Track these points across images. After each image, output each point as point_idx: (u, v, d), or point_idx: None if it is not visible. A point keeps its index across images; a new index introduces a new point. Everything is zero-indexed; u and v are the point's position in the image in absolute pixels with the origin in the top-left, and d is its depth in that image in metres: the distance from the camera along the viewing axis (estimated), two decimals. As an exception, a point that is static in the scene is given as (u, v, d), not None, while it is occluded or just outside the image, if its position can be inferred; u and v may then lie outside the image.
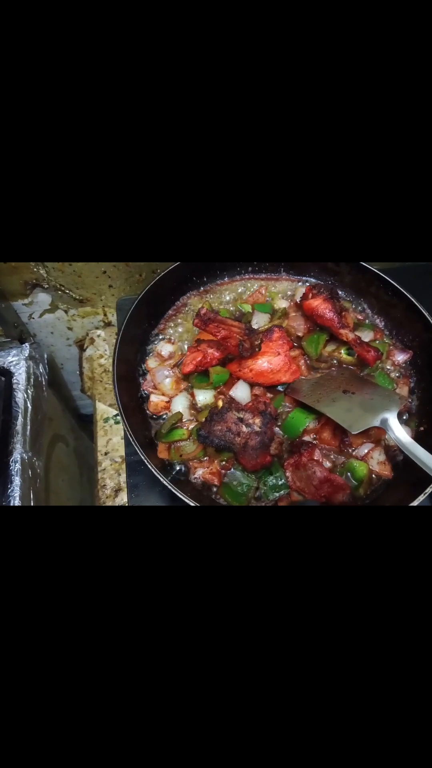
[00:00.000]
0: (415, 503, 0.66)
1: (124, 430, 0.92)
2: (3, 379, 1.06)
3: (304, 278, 0.99)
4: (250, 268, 0.99)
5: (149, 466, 0.67)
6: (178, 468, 0.77)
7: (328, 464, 0.76)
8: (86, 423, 1.55)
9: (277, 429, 0.78)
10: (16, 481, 0.95)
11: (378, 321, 0.94)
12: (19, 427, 1.02)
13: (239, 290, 0.98)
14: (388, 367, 0.88)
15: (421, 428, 0.81)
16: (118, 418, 1.03)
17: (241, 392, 0.79)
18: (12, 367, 1.09)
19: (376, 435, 0.79)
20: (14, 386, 1.06)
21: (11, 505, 0.93)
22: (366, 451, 0.77)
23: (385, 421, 0.72)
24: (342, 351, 0.86)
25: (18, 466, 0.97)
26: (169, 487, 0.65)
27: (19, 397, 1.05)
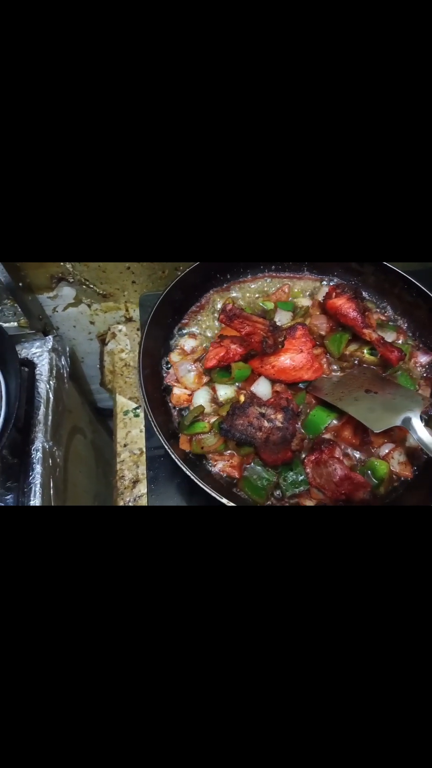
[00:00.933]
0: (435, 504, 0.66)
1: (147, 420, 0.93)
2: (27, 369, 1.08)
3: (327, 277, 0.99)
4: (273, 267, 0.99)
5: (172, 456, 0.68)
6: (198, 460, 0.78)
7: (348, 462, 0.76)
8: (103, 417, 1.57)
9: (298, 425, 0.79)
10: (38, 469, 0.98)
11: (401, 322, 0.94)
12: (41, 417, 1.04)
13: (262, 288, 0.99)
14: (411, 368, 0.88)
15: (443, 430, 0.80)
16: (138, 411, 1.04)
17: (262, 388, 0.80)
18: (35, 359, 1.12)
19: (398, 435, 0.79)
20: (37, 377, 1.09)
21: (32, 492, 0.95)
22: (387, 450, 0.77)
23: (407, 421, 0.72)
24: (365, 351, 0.86)
25: (39, 454, 0.99)
26: (191, 476, 0.66)
27: (42, 387, 1.08)
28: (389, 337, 0.89)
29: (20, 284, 1.06)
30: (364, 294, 0.96)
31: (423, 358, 0.88)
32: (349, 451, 0.78)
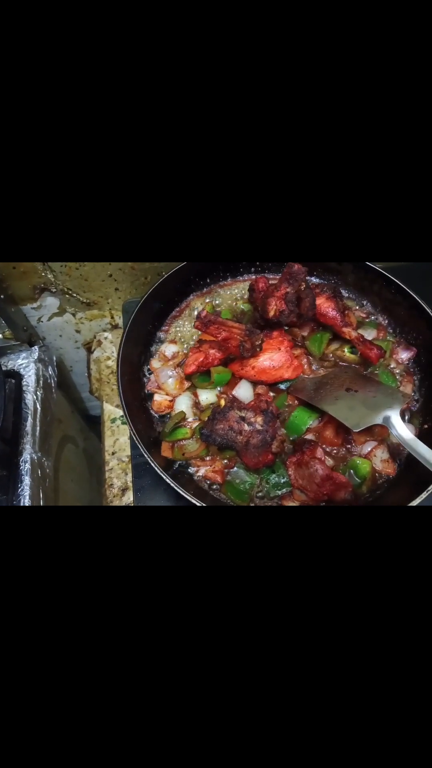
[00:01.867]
0: (416, 502, 0.66)
1: (129, 429, 0.94)
2: (13, 381, 1.08)
3: (306, 278, 0.99)
4: (252, 269, 1.00)
5: (152, 465, 0.68)
6: (181, 466, 0.78)
7: (330, 462, 0.76)
8: (95, 424, 1.57)
9: (280, 428, 0.79)
10: (26, 480, 0.98)
11: (381, 319, 0.94)
12: (29, 428, 1.04)
13: (242, 291, 0.99)
14: (392, 365, 0.88)
15: (425, 426, 0.80)
16: (125, 418, 1.04)
17: (243, 391, 0.80)
18: (22, 370, 1.12)
19: (380, 433, 0.79)
20: (24, 388, 1.09)
21: (21, 504, 0.95)
22: (369, 449, 0.77)
23: (387, 419, 0.72)
24: (345, 349, 0.86)
25: (28, 466, 0.99)
26: (172, 485, 0.66)
27: (29, 398, 1.08)
28: (370, 334, 0.89)
29: (2, 296, 1.07)
30: (344, 292, 0.97)
31: (404, 355, 0.88)
32: (331, 450, 0.78)
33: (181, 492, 0.66)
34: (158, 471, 0.67)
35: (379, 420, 0.73)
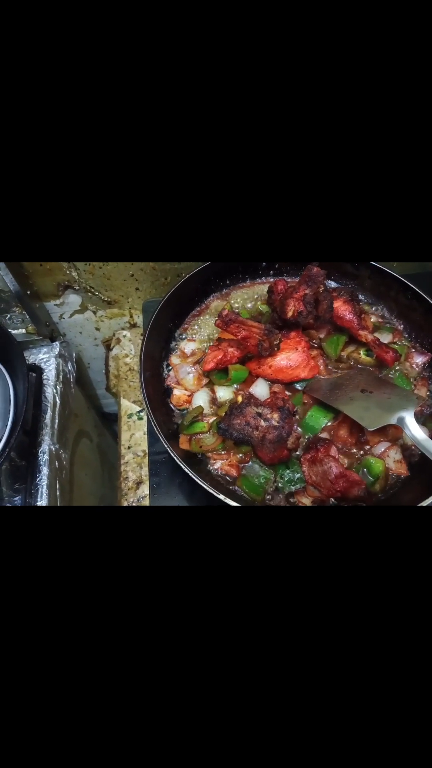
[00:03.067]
0: (427, 502, 0.67)
1: (149, 423, 0.96)
2: (34, 375, 1.12)
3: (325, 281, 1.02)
4: (271, 272, 1.02)
5: (172, 454, 0.70)
6: (197, 459, 0.80)
7: (344, 461, 0.77)
8: (108, 421, 1.61)
9: (295, 426, 0.81)
10: (44, 471, 1.01)
11: (397, 324, 0.96)
12: (47, 420, 1.07)
13: (260, 293, 1.01)
14: (407, 369, 0.89)
15: (439, 429, 0.82)
16: (142, 414, 1.07)
17: (260, 389, 0.82)
18: (43, 364, 1.16)
19: (393, 434, 0.80)
20: (44, 382, 1.13)
21: (38, 493, 0.98)
22: (383, 449, 0.79)
23: (401, 420, 0.74)
24: (361, 352, 0.88)
25: (46, 457, 1.02)
26: (190, 473, 0.68)
27: (49, 392, 1.11)
28: (385, 338, 0.91)
29: (28, 292, 1.10)
30: (361, 297, 0.98)
31: (419, 359, 0.89)
32: (345, 449, 0.79)
33: (197, 480, 0.68)
34: (177, 460, 0.69)
35: (393, 420, 0.74)
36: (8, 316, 1.13)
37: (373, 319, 0.96)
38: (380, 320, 0.97)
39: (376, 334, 0.89)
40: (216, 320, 0.79)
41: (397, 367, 0.88)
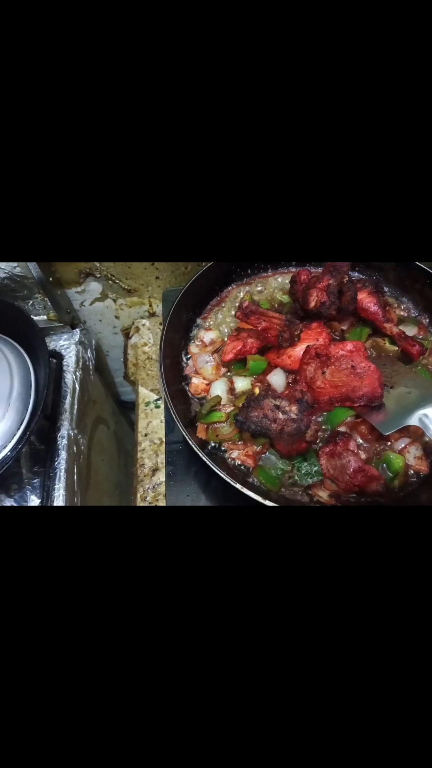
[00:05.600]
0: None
1: (167, 413, 0.97)
2: (55, 361, 1.14)
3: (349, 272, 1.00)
4: (293, 261, 1.01)
5: (190, 442, 0.70)
6: (214, 448, 0.80)
7: (363, 455, 0.76)
8: (125, 409, 1.62)
9: (313, 417, 0.80)
10: (63, 455, 1.02)
11: (422, 318, 0.93)
12: (67, 405, 1.09)
13: (283, 282, 1.00)
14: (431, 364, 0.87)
15: (463, 426, 0.79)
16: (158, 402, 1.08)
17: (277, 378, 0.82)
18: (63, 351, 1.17)
19: (415, 430, 0.78)
20: (64, 368, 1.14)
21: (57, 476, 1.00)
22: (403, 445, 0.77)
23: (422, 417, 0.72)
24: (386, 340, 0.86)
25: (65, 441, 1.04)
26: (207, 461, 0.68)
27: (69, 378, 1.13)
28: (410, 331, 0.89)
29: (50, 279, 1.12)
30: (385, 289, 0.96)
31: (444, 354, 0.87)
32: (364, 444, 0.78)
33: (214, 468, 0.68)
34: (194, 448, 0.69)
35: (412, 421, 0.72)
36: (30, 302, 1.15)
37: (397, 312, 0.93)
38: (404, 314, 0.94)
39: (401, 327, 0.87)
40: (236, 312, 0.79)
41: (423, 362, 0.86)
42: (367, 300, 0.84)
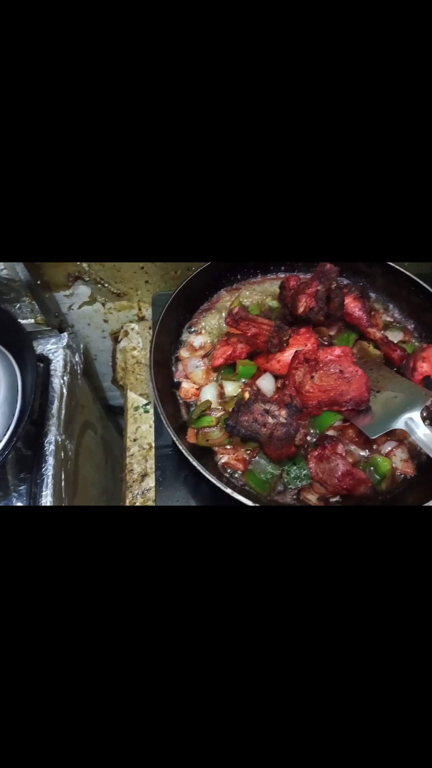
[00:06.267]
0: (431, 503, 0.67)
1: (156, 417, 0.96)
2: (42, 365, 1.12)
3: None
4: (283, 268, 1.02)
5: (180, 446, 0.70)
6: (204, 453, 0.80)
7: (352, 458, 0.77)
8: (113, 414, 1.61)
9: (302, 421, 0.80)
10: (50, 461, 1.01)
11: (408, 324, 0.95)
12: (54, 411, 1.07)
13: (272, 288, 1.01)
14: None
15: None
16: (148, 407, 1.07)
17: (267, 383, 0.82)
18: (50, 355, 1.16)
19: (401, 434, 0.80)
20: (52, 372, 1.13)
21: (44, 482, 0.98)
22: (390, 448, 0.79)
23: (408, 421, 0.73)
24: (370, 344, 0.88)
25: (52, 447, 1.03)
26: (197, 466, 0.68)
27: (56, 383, 1.12)
28: (395, 337, 0.91)
29: (38, 282, 1.11)
30: (372, 295, 0.98)
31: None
32: (352, 447, 0.79)
33: (204, 473, 0.68)
34: (185, 453, 0.69)
35: (398, 425, 0.74)
36: (18, 305, 1.13)
37: (383, 317, 0.95)
38: (390, 319, 0.96)
39: (386, 333, 0.89)
40: (226, 318, 0.79)
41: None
42: (352, 305, 0.86)
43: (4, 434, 0.89)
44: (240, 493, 0.67)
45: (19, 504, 0.95)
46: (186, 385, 0.85)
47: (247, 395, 0.81)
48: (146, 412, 1.07)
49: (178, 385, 0.87)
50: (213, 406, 0.83)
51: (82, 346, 1.24)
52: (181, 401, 0.86)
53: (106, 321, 1.30)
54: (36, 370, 0.99)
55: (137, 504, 0.94)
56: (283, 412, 0.75)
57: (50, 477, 0.99)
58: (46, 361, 1.13)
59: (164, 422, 0.72)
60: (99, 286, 1.18)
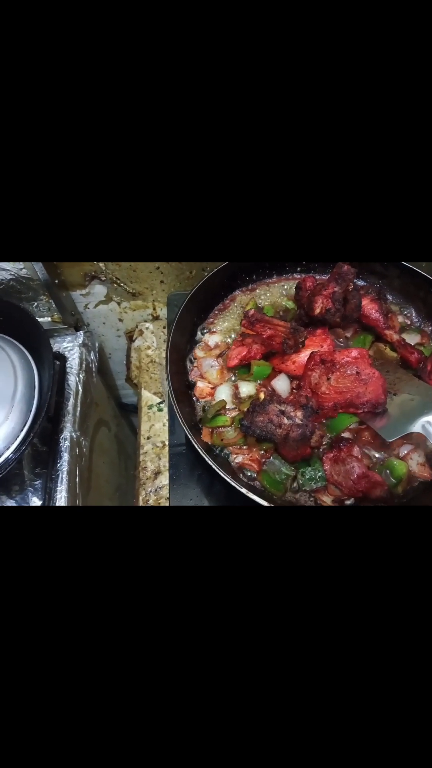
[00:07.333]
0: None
1: (170, 416, 0.97)
2: (58, 363, 1.14)
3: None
4: (299, 268, 1.02)
5: (195, 445, 0.71)
6: (219, 452, 0.80)
7: (367, 461, 0.77)
8: (127, 412, 1.62)
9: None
10: (65, 457, 1.02)
11: (425, 326, 0.94)
12: (70, 407, 1.09)
13: (287, 289, 1.01)
14: (433, 372, 0.88)
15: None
16: (162, 405, 1.08)
17: (282, 384, 0.82)
18: (67, 353, 1.17)
19: (417, 438, 0.79)
20: (68, 370, 1.14)
21: (59, 478, 1.00)
22: (406, 451, 0.78)
23: (425, 424, 0.73)
24: (387, 347, 0.87)
25: (67, 443, 1.04)
26: (212, 464, 0.68)
27: (72, 380, 1.13)
28: (412, 339, 0.90)
29: (56, 281, 1.12)
30: (389, 297, 0.97)
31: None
32: (367, 450, 0.79)
33: (219, 471, 0.68)
34: (200, 452, 0.70)
35: (415, 428, 0.73)
36: (35, 304, 1.15)
37: (400, 319, 0.94)
38: (407, 321, 0.95)
39: (403, 335, 0.88)
40: (242, 320, 0.79)
41: (423, 369, 0.86)
42: (369, 307, 0.85)
43: (21, 430, 0.90)
44: (254, 492, 0.67)
45: (35, 499, 0.97)
46: (201, 385, 0.86)
47: (262, 396, 0.81)
48: (160, 410, 1.08)
49: (193, 384, 0.88)
50: (228, 405, 0.83)
51: (97, 344, 1.26)
52: (196, 400, 0.87)
53: (121, 320, 1.31)
54: (53, 368, 1.00)
55: (150, 501, 0.95)
56: (299, 414, 0.75)
57: (65, 473, 1.01)
58: (62, 358, 1.15)
59: (180, 421, 0.73)
60: (115, 285, 1.20)
